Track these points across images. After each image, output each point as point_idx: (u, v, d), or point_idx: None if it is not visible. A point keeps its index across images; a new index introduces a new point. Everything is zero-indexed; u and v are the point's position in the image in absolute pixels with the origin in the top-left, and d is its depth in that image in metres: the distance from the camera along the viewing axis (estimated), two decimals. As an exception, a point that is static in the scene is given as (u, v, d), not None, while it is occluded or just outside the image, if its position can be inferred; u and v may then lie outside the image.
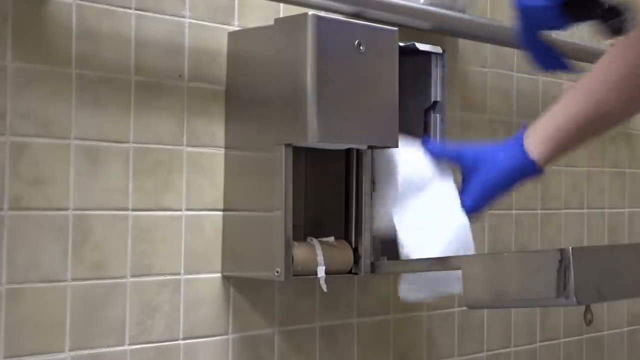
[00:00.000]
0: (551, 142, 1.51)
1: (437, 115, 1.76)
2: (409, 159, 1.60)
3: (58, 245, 1.39)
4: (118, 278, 1.45)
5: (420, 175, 1.61)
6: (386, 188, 1.59)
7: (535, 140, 1.51)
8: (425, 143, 1.64)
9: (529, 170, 1.53)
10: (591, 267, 1.33)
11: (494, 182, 1.55)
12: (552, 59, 1.55)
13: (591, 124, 1.50)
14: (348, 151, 1.57)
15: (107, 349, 1.44)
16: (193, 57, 1.54)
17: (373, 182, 1.59)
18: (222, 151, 1.57)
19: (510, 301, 1.42)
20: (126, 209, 1.46)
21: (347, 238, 1.57)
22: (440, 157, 1.62)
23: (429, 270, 1.59)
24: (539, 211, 2.17)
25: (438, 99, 1.76)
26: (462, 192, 1.58)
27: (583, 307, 1.34)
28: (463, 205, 1.57)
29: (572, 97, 1.50)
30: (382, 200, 1.59)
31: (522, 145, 1.52)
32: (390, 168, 1.58)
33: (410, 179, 1.59)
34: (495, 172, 1.54)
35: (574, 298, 1.28)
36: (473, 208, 1.57)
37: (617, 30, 1.50)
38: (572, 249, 1.29)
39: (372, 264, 1.57)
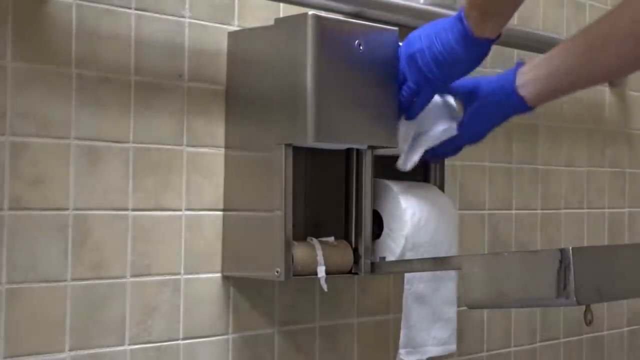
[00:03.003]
0: (542, 84, 1.54)
1: (437, 115, 1.76)
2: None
3: (58, 245, 1.39)
4: (118, 278, 1.45)
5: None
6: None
7: (527, 80, 1.55)
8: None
9: (518, 106, 1.57)
10: (591, 267, 1.33)
11: (487, 113, 1.59)
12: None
13: (586, 76, 1.53)
14: (348, 151, 1.57)
15: (107, 349, 1.44)
16: (193, 57, 1.54)
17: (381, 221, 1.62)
18: (222, 151, 1.57)
19: (510, 301, 1.42)
20: (126, 209, 1.46)
21: (347, 238, 1.57)
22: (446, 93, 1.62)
23: (429, 270, 1.59)
24: (539, 211, 2.17)
25: (438, 99, 1.76)
26: (460, 123, 1.61)
27: (583, 307, 1.34)
28: (461, 136, 1.60)
29: (571, 46, 1.52)
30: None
31: (513, 81, 1.56)
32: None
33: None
34: (488, 103, 1.58)
35: (574, 298, 1.28)
36: (469, 138, 1.61)
37: None
38: (572, 249, 1.29)
39: (372, 264, 1.57)
